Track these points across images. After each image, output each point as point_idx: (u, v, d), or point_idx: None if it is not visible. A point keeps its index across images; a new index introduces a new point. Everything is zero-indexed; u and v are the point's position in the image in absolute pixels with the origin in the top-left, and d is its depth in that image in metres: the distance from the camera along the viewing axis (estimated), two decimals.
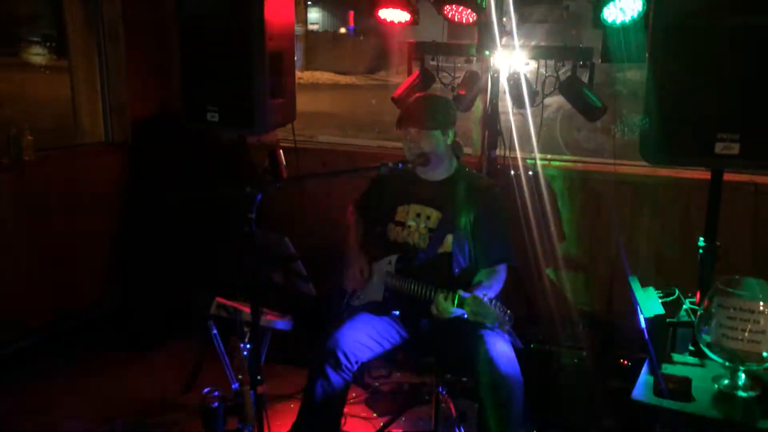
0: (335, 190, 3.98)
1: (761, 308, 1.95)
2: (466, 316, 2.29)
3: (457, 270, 2.58)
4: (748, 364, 1.97)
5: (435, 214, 2.63)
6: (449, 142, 2.64)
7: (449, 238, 2.59)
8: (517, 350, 2.49)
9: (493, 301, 2.25)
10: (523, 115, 3.33)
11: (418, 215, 2.66)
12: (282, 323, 3.27)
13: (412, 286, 2.54)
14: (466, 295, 2.28)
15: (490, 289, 2.46)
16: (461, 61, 3.34)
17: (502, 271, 2.58)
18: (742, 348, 1.95)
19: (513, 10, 2.99)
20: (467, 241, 2.60)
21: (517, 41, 3.13)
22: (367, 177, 2.90)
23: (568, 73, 3.12)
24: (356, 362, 2.48)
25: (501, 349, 2.43)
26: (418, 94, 2.80)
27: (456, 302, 2.30)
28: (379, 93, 14.53)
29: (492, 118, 3.25)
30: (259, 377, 2.28)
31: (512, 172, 3.38)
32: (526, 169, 3.52)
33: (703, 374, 2.10)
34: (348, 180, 3.39)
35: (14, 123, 3.62)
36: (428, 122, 2.58)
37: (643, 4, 2.58)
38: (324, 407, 2.46)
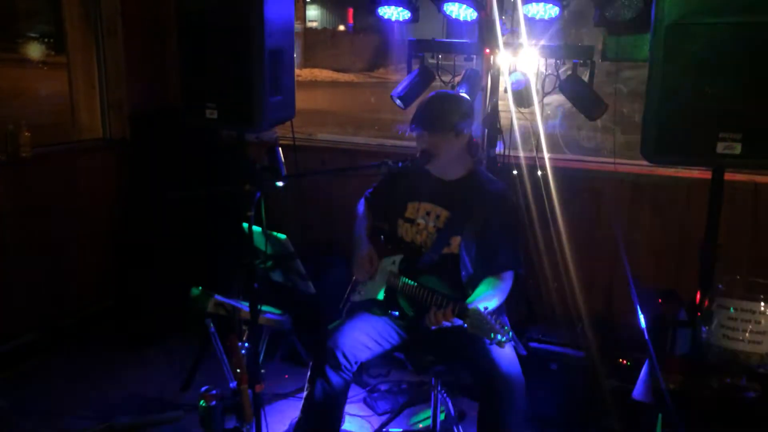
0: (334, 188, 3.97)
1: (762, 309, 1.95)
2: (465, 326, 2.27)
3: (464, 273, 2.52)
4: (748, 365, 1.96)
5: (444, 214, 2.59)
6: (464, 142, 2.57)
7: (457, 239, 2.53)
8: (520, 357, 2.46)
9: (494, 316, 2.19)
10: (524, 114, 3.33)
11: (428, 213, 2.63)
12: (281, 322, 3.26)
13: (414, 290, 2.50)
14: (469, 306, 2.24)
15: (493, 299, 2.38)
16: (461, 59, 3.33)
17: (507, 279, 2.51)
18: (743, 348, 1.95)
19: (520, 7, 2.97)
20: (475, 244, 2.54)
21: (518, 39, 3.12)
22: (367, 175, 2.89)
23: (569, 72, 3.11)
24: (356, 362, 2.47)
25: (503, 349, 2.41)
26: (434, 92, 2.69)
27: (457, 312, 2.28)
28: (378, 90, 14.51)
29: (492, 117, 3.24)
30: (257, 376, 2.27)
31: (513, 171, 3.37)
32: (527, 168, 3.51)
33: (702, 374, 2.09)
34: (347, 178, 3.38)
35: (12, 119, 3.60)
36: (440, 124, 2.52)
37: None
38: (324, 407, 2.44)
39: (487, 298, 2.35)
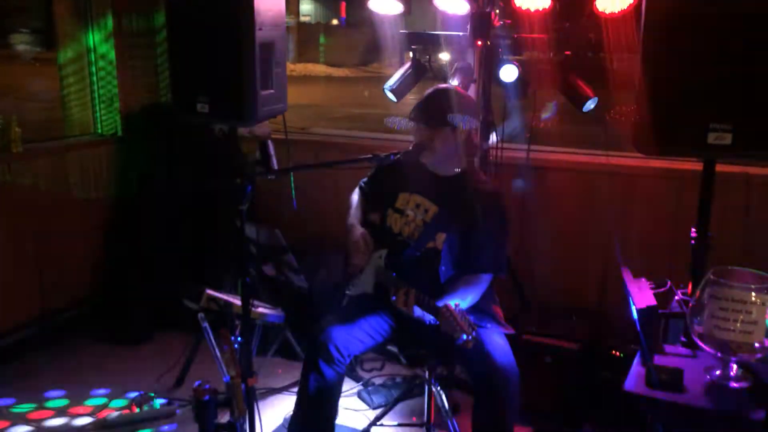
0: (327, 182, 3.97)
1: (753, 299, 1.94)
2: (437, 323, 2.29)
3: (443, 269, 2.52)
4: (740, 355, 1.96)
5: (433, 209, 2.59)
6: (460, 139, 2.56)
7: (441, 236, 2.53)
8: (508, 336, 2.49)
9: (463, 315, 2.20)
10: (516, 107, 3.33)
11: (418, 206, 2.62)
12: (273, 316, 3.26)
13: (397, 284, 2.47)
14: (440, 304, 2.26)
15: (466, 298, 2.40)
16: (454, 51, 3.32)
17: (484, 281, 2.51)
18: (734, 339, 1.94)
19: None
20: (459, 243, 2.53)
21: (510, 31, 3.12)
22: (358, 168, 2.88)
23: (560, 64, 3.10)
24: (348, 355, 2.47)
25: (496, 341, 2.42)
26: (435, 87, 2.67)
27: (431, 310, 2.31)
28: (372, 84, 14.48)
29: (484, 110, 3.24)
30: (250, 370, 2.27)
31: (504, 164, 3.36)
32: (519, 161, 3.51)
33: (694, 365, 2.09)
34: (340, 172, 3.37)
35: (2, 115, 3.58)
36: (435, 118, 2.52)
37: None
38: (318, 401, 2.45)
39: (460, 297, 2.36)
